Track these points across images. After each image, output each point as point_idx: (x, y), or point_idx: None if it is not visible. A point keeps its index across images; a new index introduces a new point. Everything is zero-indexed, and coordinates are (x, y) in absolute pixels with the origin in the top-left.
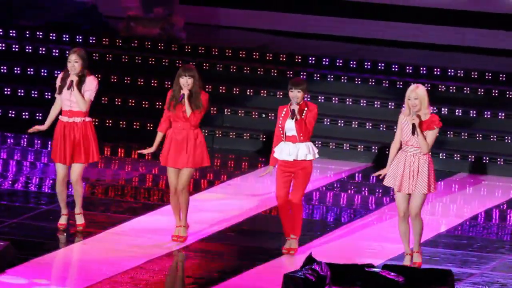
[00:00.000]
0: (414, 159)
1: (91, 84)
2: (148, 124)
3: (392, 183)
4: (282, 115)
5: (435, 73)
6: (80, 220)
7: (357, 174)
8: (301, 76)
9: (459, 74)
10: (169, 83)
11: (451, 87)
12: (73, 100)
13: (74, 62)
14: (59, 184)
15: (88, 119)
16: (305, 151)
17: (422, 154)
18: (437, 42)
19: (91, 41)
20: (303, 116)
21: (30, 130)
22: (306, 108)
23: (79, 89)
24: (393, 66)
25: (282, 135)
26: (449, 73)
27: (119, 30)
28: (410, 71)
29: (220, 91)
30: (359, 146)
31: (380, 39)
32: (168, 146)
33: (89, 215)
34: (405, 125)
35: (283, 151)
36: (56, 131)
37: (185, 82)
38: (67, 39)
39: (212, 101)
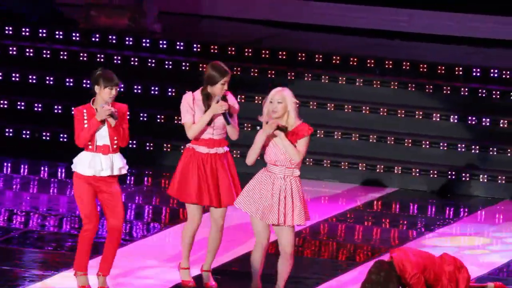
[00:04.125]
0: (286, 183)
1: (235, 103)
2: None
3: (253, 210)
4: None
5: (474, 74)
6: (210, 279)
7: (375, 202)
8: (306, 78)
9: (504, 76)
10: (139, 87)
11: (494, 92)
12: (217, 126)
13: (227, 85)
14: (192, 230)
15: (227, 148)
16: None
17: (294, 175)
18: (476, 35)
19: (41, 34)
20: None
21: None
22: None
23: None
24: (421, 66)
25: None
26: (491, 75)
27: (77, 21)
28: (443, 72)
29: None
30: (378, 167)
31: (404, 32)
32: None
33: (38, 254)
34: (272, 143)
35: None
36: (192, 164)
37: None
38: (11, 32)
39: None
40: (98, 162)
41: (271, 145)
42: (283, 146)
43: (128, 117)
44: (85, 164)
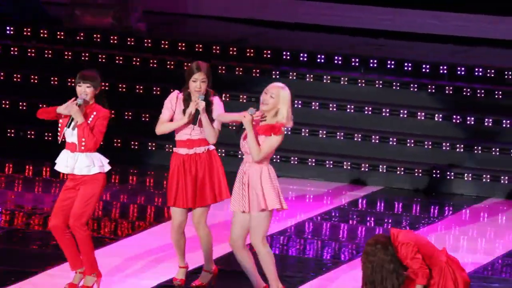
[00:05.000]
0: (246, 168)
1: (219, 108)
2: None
3: (232, 203)
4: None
5: (459, 73)
6: (205, 278)
7: (360, 200)
8: (290, 77)
9: (489, 74)
10: (124, 86)
11: (478, 91)
12: (196, 126)
13: (201, 82)
14: (174, 231)
15: (212, 147)
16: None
17: (254, 162)
18: (461, 34)
19: (25, 33)
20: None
21: None
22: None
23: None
24: (406, 64)
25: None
26: (476, 73)
27: (61, 19)
28: (427, 70)
29: None
30: (363, 165)
31: (389, 30)
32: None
33: (23, 252)
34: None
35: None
36: (174, 168)
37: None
38: None
39: None
40: (64, 159)
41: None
42: (248, 137)
43: (106, 122)
44: (58, 159)
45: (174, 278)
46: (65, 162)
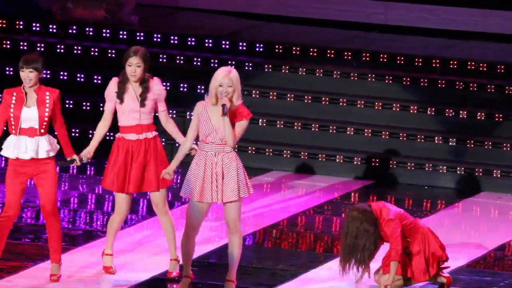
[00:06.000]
0: (217, 159)
1: (162, 92)
2: (91, 131)
3: (189, 192)
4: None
5: (451, 66)
6: (174, 267)
7: (353, 194)
8: (283, 71)
9: (481, 68)
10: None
11: (471, 84)
12: (143, 110)
13: (136, 66)
14: (119, 221)
15: (156, 132)
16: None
17: (226, 152)
18: (453, 27)
19: (18, 26)
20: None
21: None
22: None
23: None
24: (398, 58)
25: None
26: (469, 67)
27: (53, 12)
28: (420, 64)
29: (181, 89)
30: (355, 158)
31: (381, 24)
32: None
33: (15, 245)
34: (206, 117)
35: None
36: (119, 153)
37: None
38: None
39: (170, 102)
40: (23, 145)
41: (203, 122)
42: (225, 127)
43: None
44: (10, 146)
45: (168, 272)
46: (24, 148)
